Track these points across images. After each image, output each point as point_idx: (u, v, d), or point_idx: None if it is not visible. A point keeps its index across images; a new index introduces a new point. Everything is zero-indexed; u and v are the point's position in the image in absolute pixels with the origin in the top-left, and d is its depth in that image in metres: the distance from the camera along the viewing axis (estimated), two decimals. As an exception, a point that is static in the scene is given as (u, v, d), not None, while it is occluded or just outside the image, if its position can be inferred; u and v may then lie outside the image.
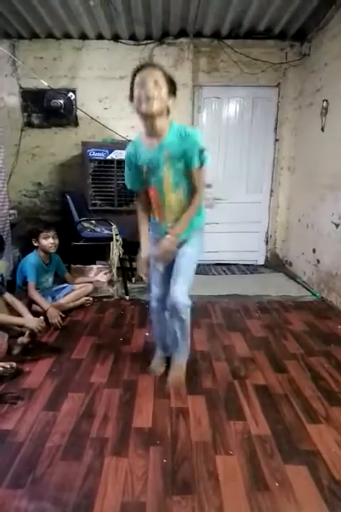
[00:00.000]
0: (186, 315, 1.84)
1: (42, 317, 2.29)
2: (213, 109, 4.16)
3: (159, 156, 1.68)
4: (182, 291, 1.77)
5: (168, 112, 1.69)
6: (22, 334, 2.25)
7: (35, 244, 2.85)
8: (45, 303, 2.70)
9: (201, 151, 1.65)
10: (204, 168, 1.70)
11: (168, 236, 1.73)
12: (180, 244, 1.82)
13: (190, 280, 1.81)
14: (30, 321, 2.21)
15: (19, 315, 2.29)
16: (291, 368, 2.16)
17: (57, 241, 2.88)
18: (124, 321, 2.83)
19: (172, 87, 1.66)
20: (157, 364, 2.12)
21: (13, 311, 2.34)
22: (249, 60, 3.90)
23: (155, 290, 1.98)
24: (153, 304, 2.02)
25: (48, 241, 2.83)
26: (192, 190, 1.75)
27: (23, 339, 2.24)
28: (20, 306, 2.32)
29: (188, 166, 1.67)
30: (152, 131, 1.68)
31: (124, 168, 1.87)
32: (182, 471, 1.41)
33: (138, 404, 1.80)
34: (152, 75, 1.59)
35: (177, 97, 1.72)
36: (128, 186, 1.89)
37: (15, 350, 2.22)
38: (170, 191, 1.75)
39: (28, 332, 2.22)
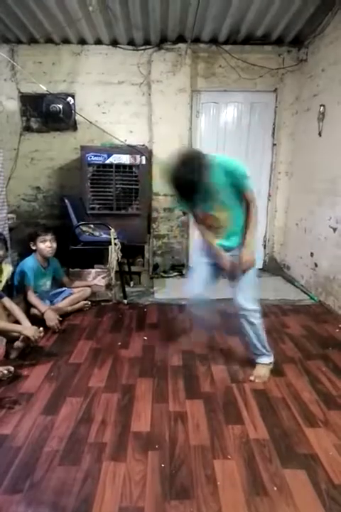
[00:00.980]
0: (255, 318, 2.02)
1: (41, 328, 2.27)
2: (211, 114, 4.18)
3: (208, 189, 1.83)
4: (246, 298, 1.99)
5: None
6: (18, 338, 2.24)
7: (33, 248, 2.84)
8: (42, 305, 2.70)
9: (247, 179, 1.86)
10: (252, 190, 1.90)
11: (245, 252, 1.93)
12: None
13: (253, 286, 2.02)
14: (27, 329, 2.20)
15: (17, 320, 2.29)
16: (289, 371, 2.17)
17: (54, 245, 2.88)
18: (122, 325, 2.82)
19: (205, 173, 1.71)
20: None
21: (11, 314, 2.33)
22: (246, 66, 3.93)
23: (196, 288, 2.16)
24: (194, 297, 2.21)
25: (46, 244, 2.82)
26: (240, 213, 1.94)
27: (18, 344, 2.24)
28: (18, 312, 2.31)
29: (238, 191, 1.87)
30: None
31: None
32: (180, 475, 1.41)
33: (137, 409, 1.80)
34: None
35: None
36: (179, 208, 2.21)
37: (13, 355, 2.22)
38: (219, 215, 1.94)
39: (22, 337, 2.22)
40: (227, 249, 2.01)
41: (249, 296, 2.00)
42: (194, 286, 2.17)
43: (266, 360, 2.13)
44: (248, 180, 1.86)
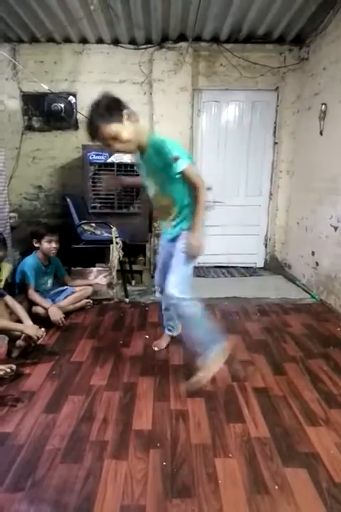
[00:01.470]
0: (182, 309, 1.83)
1: (43, 328, 2.27)
2: (212, 112, 4.18)
3: (144, 167, 1.87)
4: (171, 285, 1.80)
5: (135, 123, 1.70)
6: (20, 337, 2.25)
7: (36, 245, 2.85)
8: (45, 302, 2.72)
9: (175, 159, 1.67)
10: (188, 168, 1.71)
11: (191, 236, 1.78)
12: (172, 242, 1.94)
13: (181, 274, 1.84)
14: (29, 328, 2.21)
15: (19, 319, 2.29)
16: (290, 370, 2.17)
17: (58, 245, 2.89)
18: (124, 323, 2.83)
19: (117, 116, 1.64)
20: (158, 340, 2.41)
21: (13, 313, 2.34)
22: (248, 64, 3.93)
23: (156, 278, 2.22)
24: (156, 289, 2.27)
25: (51, 245, 2.83)
26: (181, 193, 1.83)
27: (20, 342, 2.24)
28: (20, 310, 2.32)
29: (170, 176, 1.73)
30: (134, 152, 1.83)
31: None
32: (181, 474, 1.42)
33: (138, 407, 1.80)
34: (100, 139, 1.67)
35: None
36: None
37: (15, 353, 2.23)
38: (158, 196, 1.90)
39: (23, 335, 2.22)
40: (172, 239, 1.93)
41: (175, 284, 1.80)
42: (156, 276, 2.20)
43: (210, 352, 1.89)
44: (180, 161, 1.67)
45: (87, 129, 1.69)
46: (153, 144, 1.72)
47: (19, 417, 1.72)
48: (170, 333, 2.43)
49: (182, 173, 1.70)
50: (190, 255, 1.79)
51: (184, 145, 3.98)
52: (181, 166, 1.68)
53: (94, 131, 1.65)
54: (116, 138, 1.64)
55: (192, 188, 1.76)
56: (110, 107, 1.64)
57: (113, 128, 1.62)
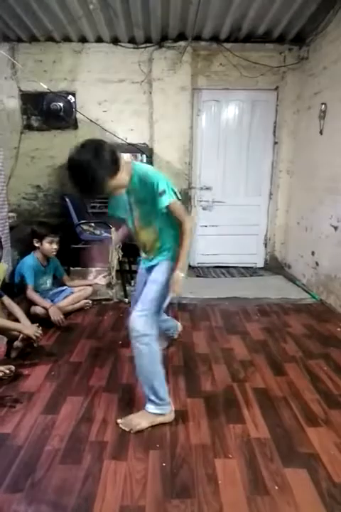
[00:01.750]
0: (140, 344, 1.63)
1: (40, 327, 2.26)
2: (212, 112, 4.17)
3: (127, 200, 1.75)
4: (136, 317, 1.66)
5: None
6: (18, 338, 2.24)
7: (36, 245, 2.83)
8: (45, 302, 2.72)
9: (161, 194, 1.60)
10: (174, 203, 1.66)
11: (176, 272, 1.69)
12: (148, 272, 1.83)
13: (151, 307, 1.67)
14: (27, 328, 2.19)
15: (17, 319, 2.28)
16: (290, 370, 2.16)
17: (58, 246, 2.88)
18: (123, 323, 2.81)
19: (119, 166, 1.56)
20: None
21: (10, 313, 2.33)
22: (247, 64, 3.92)
23: (132, 303, 2.02)
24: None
25: (52, 246, 2.82)
26: (165, 226, 1.74)
27: (18, 343, 2.23)
28: (18, 311, 2.30)
29: (155, 208, 1.65)
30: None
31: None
32: (181, 474, 1.41)
33: (138, 408, 1.79)
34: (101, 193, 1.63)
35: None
36: (109, 212, 1.94)
37: (13, 354, 2.22)
38: (141, 229, 1.80)
39: (21, 336, 2.21)
40: (149, 268, 1.83)
41: (140, 316, 1.65)
42: (132, 301, 2.04)
43: (153, 408, 1.68)
44: (165, 196, 1.60)
45: (88, 187, 1.53)
46: (139, 175, 1.66)
47: (18, 417, 1.72)
48: (171, 336, 2.41)
49: (167, 207, 1.64)
50: (169, 289, 1.68)
51: (184, 145, 3.99)
52: (166, 201, 1.61)
53: (99, 188, 1.54)
54: (117, 188, 1.62)
55: (178, 222, 1.69)
56: (114, 159, 1.54)
57: (116, 180, 1.58)
